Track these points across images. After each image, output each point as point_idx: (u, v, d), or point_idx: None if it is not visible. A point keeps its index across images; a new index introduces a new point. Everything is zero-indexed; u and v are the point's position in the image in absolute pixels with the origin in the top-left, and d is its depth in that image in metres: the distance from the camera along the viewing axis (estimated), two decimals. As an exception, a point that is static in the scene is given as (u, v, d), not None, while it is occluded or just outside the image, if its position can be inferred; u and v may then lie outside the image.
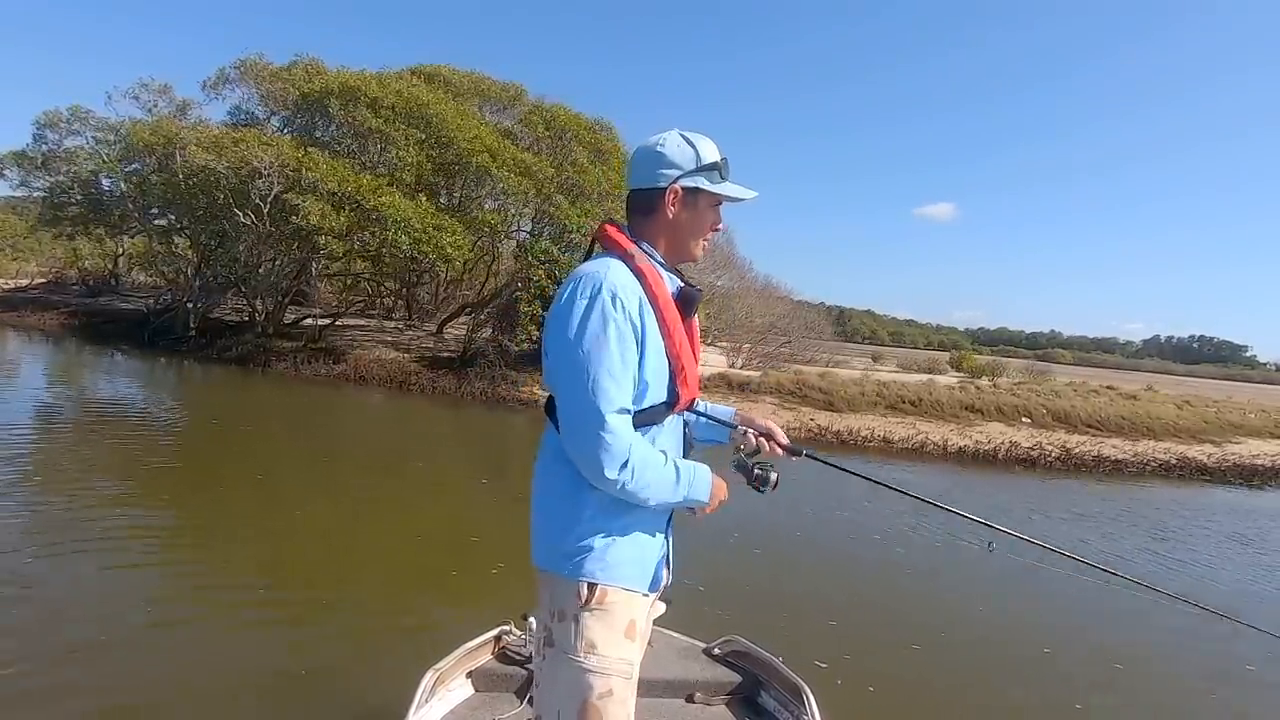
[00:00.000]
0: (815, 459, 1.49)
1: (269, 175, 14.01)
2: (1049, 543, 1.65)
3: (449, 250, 14.24)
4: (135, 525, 4.84)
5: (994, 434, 12.94)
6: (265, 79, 17.68)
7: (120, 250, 24.76)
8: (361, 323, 20.06)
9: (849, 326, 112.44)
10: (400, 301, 22.93)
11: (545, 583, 1.32)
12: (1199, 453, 13.15)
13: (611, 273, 1.24)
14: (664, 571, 1.39)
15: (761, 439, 1.48)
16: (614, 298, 1.20)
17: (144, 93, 19.53)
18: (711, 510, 1.34)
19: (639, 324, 1.22)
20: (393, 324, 20.74)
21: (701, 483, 1.31)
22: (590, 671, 1.24)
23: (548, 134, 16.63)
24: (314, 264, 17.16)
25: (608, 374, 1.17)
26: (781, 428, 1.53)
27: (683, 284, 1.35)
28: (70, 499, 5.22)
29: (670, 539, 1.41)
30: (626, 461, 1.18)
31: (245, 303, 17.77)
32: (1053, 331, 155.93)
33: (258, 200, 14.28)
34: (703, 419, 1.52)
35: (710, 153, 1.33)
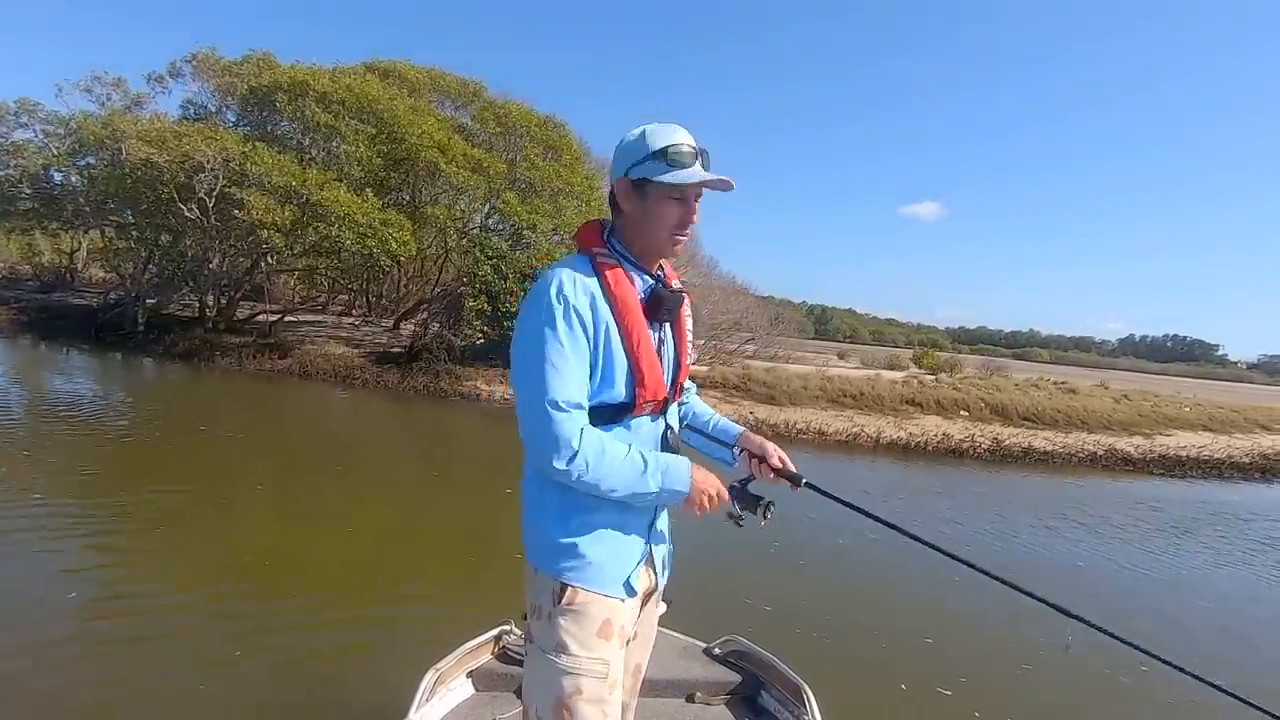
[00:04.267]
0: (815, 490, 1.37)
1: (213, 170, 13.98)
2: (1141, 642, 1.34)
3: (394, 245, 14.28)
4: (120, 527, 4.84)
5: (929, 427, 13.20)
6: (217, 73, 17.59)
7: (76, 246, 24.48)
8: (318, 318, 20.04)
9: (830, 325, 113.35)
10: (361, 297, 22.92)
11: (529, 579, 1.35)
12: (1127, 444, 13.49)
13: (564, 270, 1.25)
14: (645, 574, 1.37)
15: (754, 461, 1.42)
16: (559, 293, 1.21)
17: (96, 85, 19.32)
18: (702, 508, 1.27)
19: (590, 320, 1.21)
20: (351, 320, 20.74)
21: (677, 473, 1.25)
22: (561, 670, 1.26)
23: (499, 130, 16.70)
24: (268, 259, 17.07)
25: (550, 366, 1.18)
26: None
27: (655, 285, 1.32)
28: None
29: (655, 541, 1.38)
30: (576, 453, 1.17)
31: (197, 298, 17.69)
32: (1031, 330, 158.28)
33: (202, 195, 14.24)
34: (702, 436, 1.51)
35: (660, 140, 1.26)
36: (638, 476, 1.21)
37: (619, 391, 1.26)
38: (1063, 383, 20.49)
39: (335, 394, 12.73)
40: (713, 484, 1.28)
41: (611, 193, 1.34)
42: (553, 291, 1.21)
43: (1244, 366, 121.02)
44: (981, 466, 11.65)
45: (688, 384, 1.54)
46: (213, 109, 18.21)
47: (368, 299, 22.58)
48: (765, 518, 1.28)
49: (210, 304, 17.49)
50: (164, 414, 9.49)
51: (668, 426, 1.38)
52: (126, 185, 15.11)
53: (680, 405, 1.51)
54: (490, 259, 14.30)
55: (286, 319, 17.90)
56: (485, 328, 14.15)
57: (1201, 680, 1.35)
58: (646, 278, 1.32)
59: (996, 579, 1.32)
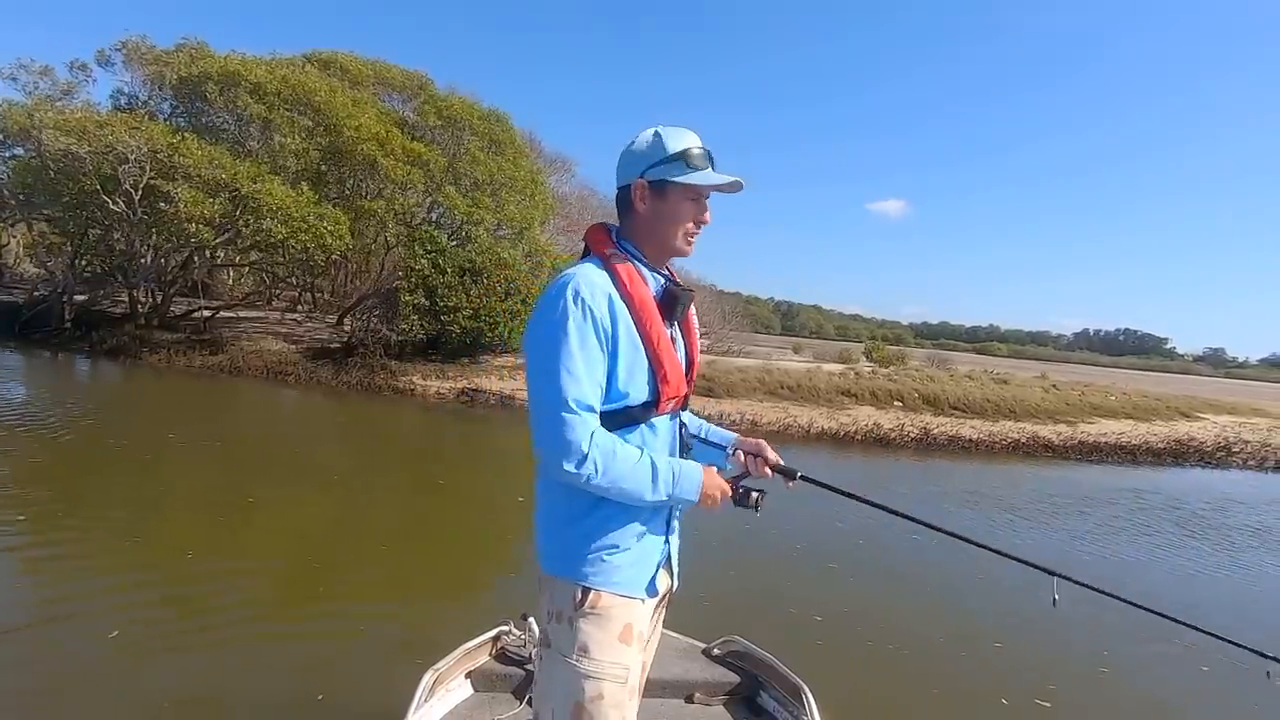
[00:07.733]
0: (810, 482, 1.44)
1: (139, 161, 13.60)
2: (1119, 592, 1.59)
3: (328, 239, 14.08)
4: (103, 530, 4.77)
5: (862, 417, 13.50)
6: (148, 61, 17.10)
7: (5, 240, 23.60)
8: (260, 314, 19.63)
9: (796, 321, 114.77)
10: (305, 293, 22.55)
11: (544, 584, 1.34)
12: (1051, 432, 13.97)
13: (580, 274, 1.25)
14: (663, 576, 1.38)
15: (750, 458, 1.47)
16: (576, 296, 1.21)
17: (22, 74, 18.59)
18: (709, 506, 1.32)
19: (607, 323, 1.22)
20: (294, 316, 20.37)
21: (687, 480, 1.28)
22: (582, 674, 1.26)
23: (441, 123, 16.54)
24: (203, 253, 16.67)
25: (565, 370, 1.18)
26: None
27: (667, 283, 1.34)
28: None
29: (671, 543, 1.40)
30: (586, 456, 1.17)
31: (128, 293, 17.20)
32: (991, 325, 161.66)
33: (128, 187, 13.85)
34: (699, 441, 1.53)
35: (678, 143, 1.30)
36: (648, 484, 1.23)
37: (643, 391, 1.28)
38: (1000, 374, 21.11)
39: (281, 391, 12.52)
40: (719, 486, 1.33)
41: (620, 195, 1.36)
42: (569, 294, 1.21)
43: (1191, 359, 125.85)
44: (910, 454, 11.98)
45: None
46: (144, 99, 17.71)
47: (312, 294, 22.22)
48: (759, 508, 1.39)
49: (143, 300, 17.03)
50: (67, 414, 9.23)
51: (682, 423, 1.41)
52: (48, 177, 14.62)
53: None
54: (428, 253, 14.19)
55: (225, 315, 17.51)
56: (423, 322, 14.04)
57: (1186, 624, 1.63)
58: (659, 277, 1.34)
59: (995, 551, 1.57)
